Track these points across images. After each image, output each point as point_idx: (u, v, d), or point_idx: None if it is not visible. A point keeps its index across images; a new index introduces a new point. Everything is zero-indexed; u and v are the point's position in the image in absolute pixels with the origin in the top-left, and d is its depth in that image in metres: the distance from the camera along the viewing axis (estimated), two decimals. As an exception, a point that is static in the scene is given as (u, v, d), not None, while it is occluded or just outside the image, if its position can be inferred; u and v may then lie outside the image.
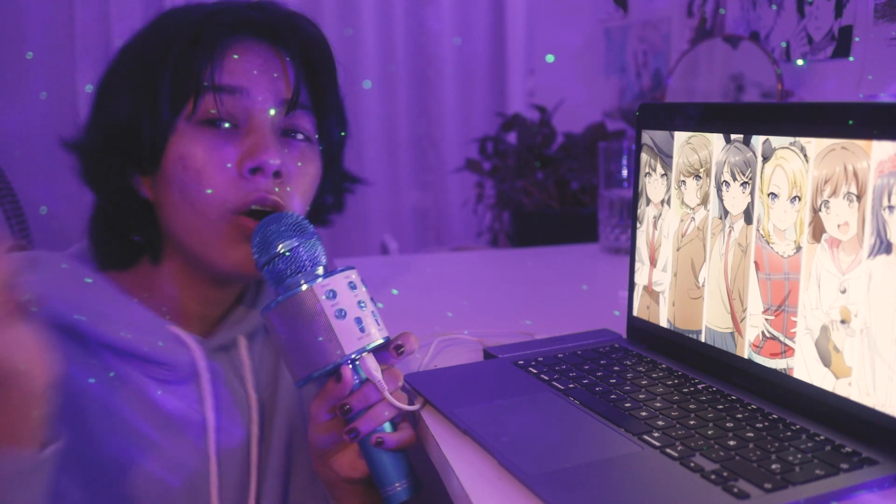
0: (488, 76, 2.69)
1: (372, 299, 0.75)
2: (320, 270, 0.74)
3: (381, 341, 0.74)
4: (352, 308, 0.72)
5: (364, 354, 0.73)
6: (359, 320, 0.72)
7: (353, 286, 0.73)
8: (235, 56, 0.80)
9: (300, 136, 0.84)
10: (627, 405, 0.73)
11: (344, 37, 2.55)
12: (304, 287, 0.71)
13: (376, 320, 0.74)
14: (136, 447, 0.79)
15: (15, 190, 1.91)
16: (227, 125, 0.79)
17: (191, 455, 0.82)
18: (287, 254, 0.73)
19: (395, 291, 1.21)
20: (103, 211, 0.85)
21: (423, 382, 0.80)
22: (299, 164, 0.83)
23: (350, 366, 0.73)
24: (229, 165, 0.78)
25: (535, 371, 0.82)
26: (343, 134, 0.91)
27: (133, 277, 0.85)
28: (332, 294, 0.72)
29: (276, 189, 0.80)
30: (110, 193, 0.83)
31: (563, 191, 1.79)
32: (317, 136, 0.86)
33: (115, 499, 0.78)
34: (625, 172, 1.47)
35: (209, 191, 0.78)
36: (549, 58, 2.44)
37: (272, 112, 0.81)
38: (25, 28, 2.34)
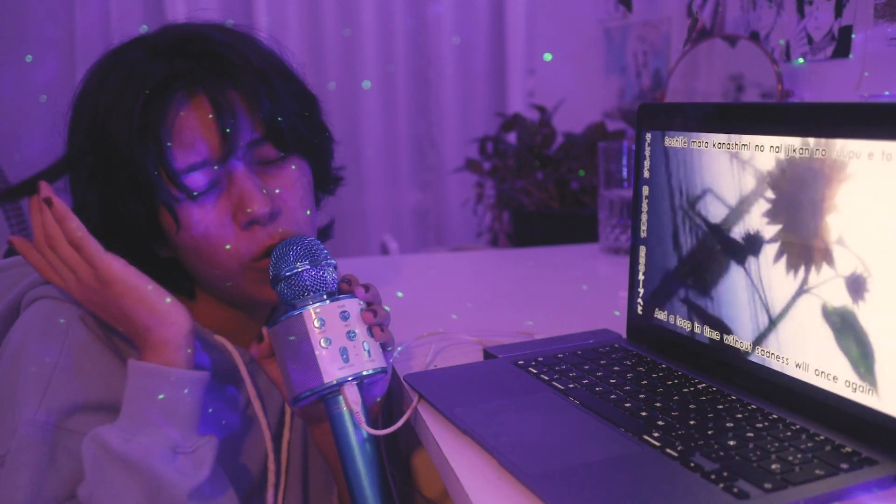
0: (488, 76, 2.68)
1: (370, 328, 0.76)
2: (324, 296, 0.76)
3: (367, 372, 0.75)
4: (339, 338, 0.74)
5: (345, 385, 0.74)
6: (344, 350, 0.74)
7: (345, 316, 0.75)
8: (190, 128, 0.76)
9: (277, 157, 0.81)
10: (627, 405, 0.73)
11: (344, 37, 2.55)
12: (296, 313, 0.74)
13: (367, 351, 0.75)
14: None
15: (15, 190, 1.90)
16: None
17: (241, 455, 0.85)
18: (292, 278, 0.75)
19: (399, 294, 1.21)
20: None
21: (422, 382, 0.81)
22: (287, 185, 0.82)
23: (330, 395, 0.74)
24: (228, 223, 0.78)
25: (535, 371, 0.82)
26: (315, 123, 0.87)
27: None
28: (322, 322, 0.74)
29: (278, 225, 0.80)
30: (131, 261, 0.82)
31: (563, 191, 1.79)
32: (290, 143, 0.82)
33: None
34: (625, 172, 1.47)
35: (222, 249, 0.79)
36: (547, 56, 2.44)
37: (243, 159, 0.79)
38: (25, 29, 2.34)
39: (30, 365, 0.75)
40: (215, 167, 0.77)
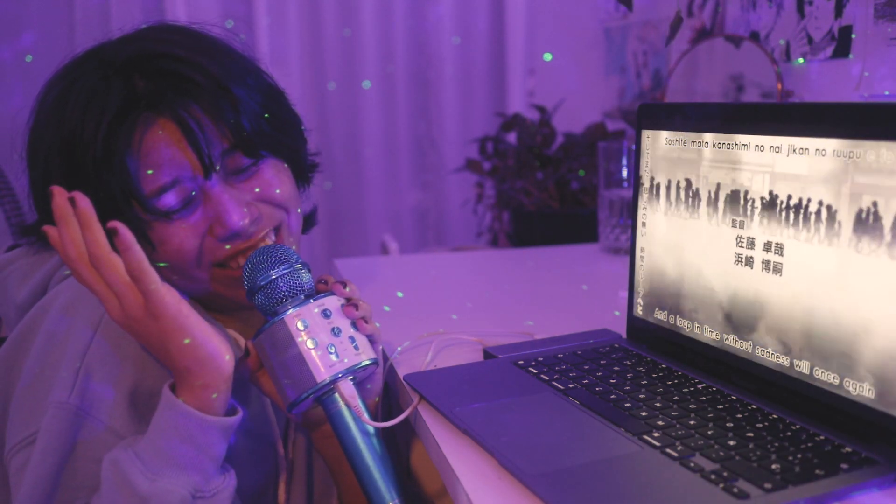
0: (488, 76, 2.68)
1: (353, 323, 0.77)
2: (302, 299, 0.76)
3: (359, 365, 0.75)
4: (324, 336, 0.74)
5: (339, 381, 0.74)
6: (331, 347, 0.74)
7: (327, 314, 0.75)
8: (157, 150, 0.74)
9: (249, 163, 0.80)
10: (627, 405, 0.73)
11: (344, 37, 2.55)
12: (278, 319, 0.74)
13: (354, 345, 0.75)
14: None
15: (15, 190, 1.91)
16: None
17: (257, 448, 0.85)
18: (267, 286, 0.75)
19: (400, 294, 1.21)
20: None
21: (422, 382, 0.81)
22: (263, 189, 0.81)
23: (326, 393, 0.74)
24: (206, 237, 0.78)
25: (535, 371, 0.82)
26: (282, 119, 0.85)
27: None
28: (305, 324, 0.74)
29: (262, 227, 0.80)
30: None
31: (563, 191, 1.79)
32: (259, 148, 0.80)
33: None
34: (625, 172, 1.47)
35: (202, 262, 0.79)
36: (547, 56, 2.44)
37: (216, 172, 0.77)
38: (25, 28, 2.34)
39: (66, 343, 0.75)
40: (188, 185, 0.76)
